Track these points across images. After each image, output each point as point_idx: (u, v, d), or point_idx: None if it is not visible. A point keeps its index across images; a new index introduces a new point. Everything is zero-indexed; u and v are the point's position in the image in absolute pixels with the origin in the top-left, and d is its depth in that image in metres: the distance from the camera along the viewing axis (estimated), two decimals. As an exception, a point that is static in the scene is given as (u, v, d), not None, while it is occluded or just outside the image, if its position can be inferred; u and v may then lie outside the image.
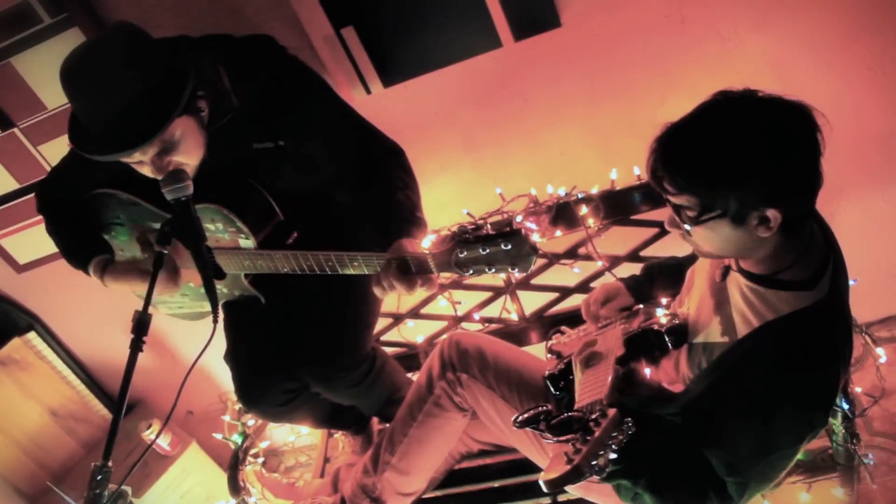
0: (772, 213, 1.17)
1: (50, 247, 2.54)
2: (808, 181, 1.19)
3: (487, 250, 1.31)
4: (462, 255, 1.33)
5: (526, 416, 1.22)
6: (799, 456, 1.33)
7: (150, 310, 1.39)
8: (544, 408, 1.22)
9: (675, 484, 1.33)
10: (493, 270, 1.33)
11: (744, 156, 1.16)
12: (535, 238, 2.10)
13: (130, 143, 1.43)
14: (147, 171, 1.52)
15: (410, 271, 1.43)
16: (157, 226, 1.79)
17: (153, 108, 1.42)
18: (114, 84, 1.41)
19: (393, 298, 2.37)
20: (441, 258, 1.37)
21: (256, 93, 1.61)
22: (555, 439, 1.16)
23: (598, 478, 1.28)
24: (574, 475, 1.07)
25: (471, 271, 1.34)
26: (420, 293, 1.97)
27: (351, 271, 1.54)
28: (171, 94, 1.43)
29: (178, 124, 1.47)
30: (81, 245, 1.85)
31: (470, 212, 2.14)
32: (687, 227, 1.25)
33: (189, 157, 1.54)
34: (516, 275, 1.34)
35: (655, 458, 1.33)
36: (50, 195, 1.90)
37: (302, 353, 1.85)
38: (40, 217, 2.44)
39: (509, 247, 1.29)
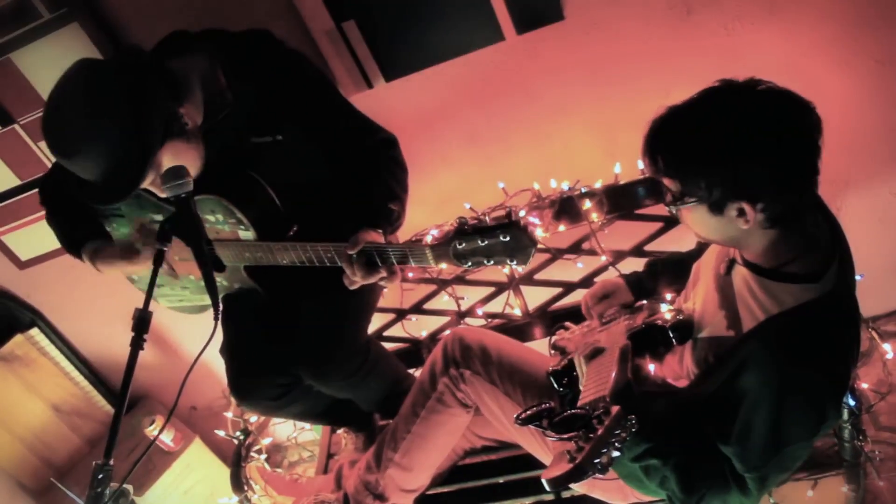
0: (746, 207, 1.18)
1: (52, 243, 2.55)
2: (782, 182, 1.18)
3: (486, 242, 1.31)
4: (460, 247, 1.33)
5: (528, 413, 1.22)
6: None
7: (151, 303, 1.39)
8: (547, 405, 1.22)
9: (700, 469, 1.34)
10: (492, 262, 1.33)
11: (716, 149, 1.17)
12: (538, 233, 2.09)
13: (119, 194, 1.51)
14: (150, 188, 1.57)
15: (374, 263, 1.46)
16: (158, 217, 1.80)
17: (128, 162, 1.45)
18: (88, 149, 1.44)
19: (396, 293, 2.36)
20: (439, 249, 1.37)
21: (253, 88, 1.61)
22: (557, 437, 1.15)
23: (628, 456, 1.30)
24: (577, 474, 1.07)
25: (469, 263, 1.34)
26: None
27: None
28: (143, 137, 1.44)
29: (165, 151, 1.50)
30: (76, 233, 1.86)
31: (472, 206, 2.12)
32: (671, 208, 1.28)
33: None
34: (515, 267, 1.34)
35: (683, 441, 1.34)
36: (51, 188, 1.90)
37: (294, 346, 1.84)
38: (42, 213, 2.46)
39: (508, 238, 1.29)
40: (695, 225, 1.30)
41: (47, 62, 2.10)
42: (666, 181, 1.26)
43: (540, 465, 1.82)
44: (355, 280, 1.49)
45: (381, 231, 1.52)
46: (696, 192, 1.21)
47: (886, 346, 1.96)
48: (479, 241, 1.31)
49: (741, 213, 1.20)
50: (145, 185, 1.53)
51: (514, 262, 1.31)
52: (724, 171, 1.17)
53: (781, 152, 1.16)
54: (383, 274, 1.47)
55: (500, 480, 2.01)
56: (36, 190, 2.37)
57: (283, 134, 1.64)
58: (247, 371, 1.94)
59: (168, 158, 1.51)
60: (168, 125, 1.49)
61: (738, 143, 1.15)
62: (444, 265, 1.41)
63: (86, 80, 1.46)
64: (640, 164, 2.01)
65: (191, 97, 1.57)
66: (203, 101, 1.59)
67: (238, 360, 1.96)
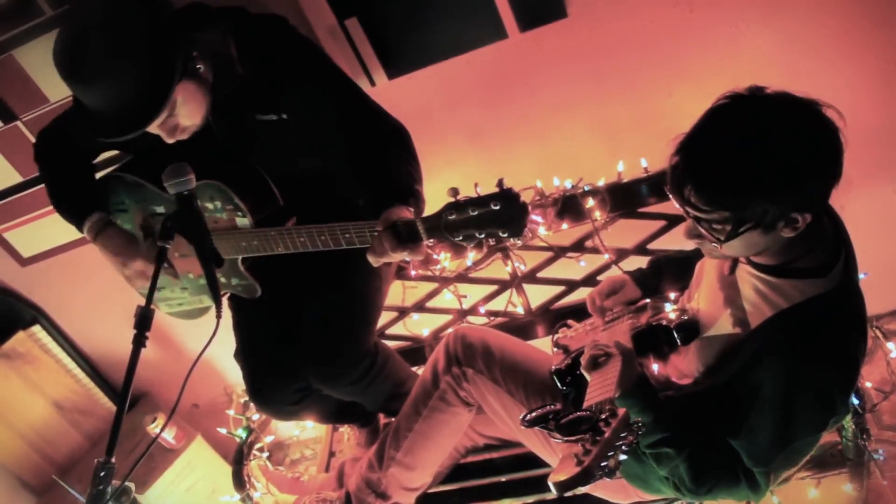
0: (802, 217, 1.16)
1: (54, 240, 2.56)
2: (834, 181, 1.17)
3: (477, 212, 1.28)
4: (451, 218, 1.30)
5: (534, 415, 1.21)
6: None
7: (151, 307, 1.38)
8: (553, 407, 1.21)
9: (712, 462, 1.33)
10: (484, 235, 1.29)
11: (776, 167, 1.13)
12: (541, 231, 2.08)
13: (137, 124, 1.48)
14: (156, 132, 1.57)
15: (400, 237, 1.41)
16: (161, 209, 1.80)
17: (152, 87, 1.45)
18: (110, 74, 1.43)
19: (398, 291, 2.36)
20: (431, 221, 1.35)
21: (262, 64, 1.62)
22: (564, 439, 1.14)
23: (641, 444, 1.30)
24: (584, 477, 1.06)
25: (461, 236, 1.31)
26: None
27: (344, 245, 1.53)
28: (165, 68, 1.45)
29: (178, 91, 1.50)
30: (79, 198, 1.86)
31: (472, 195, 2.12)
32: (718, 242, 1.22)
33: (192, 117, 1.58)
34: (508, 239, 1.30)
35: (697, 435, 1.34)
36: (50, 144, 1.88)
37: (303, 351, 1.84)
38: (44, 210, 2.46)
39: (499, 207, 1.26)
40: (735, 248, 1.25)
41: (49, 59, 2.07)
42: (710, 215, 1.20)
43: (542, 464, 1.81)
44: (381, 258, 1.45)
45: (412, 210, 1.49)
46: (754, 218, 1.17)
47: (890, 345, 1.95)
48: (471, 212, 1.28)
49: (790, 222, 1.17)
50: (154, 126, 1.52)
51: (507, 234, 1.28)
52: (791, 189, 1.14)
53: (831, 155, 1.15)
54: (407, 249, 1.41)
55: (503, 479, 2.00)
56: (38, 188, 2.39)
57: (287, 113, 1.64)
58: (265, 379, 1.95)
59: (181, 98, 1.51)
60: (187, 63, 1.50)
61: (796, 158, 1.13)
62: (433, 238, 1.38)
63: (107, 10, 1.46)
64: (644, 162, 2.01)
65: (203, 55, 1.57)
66: (213, 69, 1.59)
67: (255, 368, 1.96)
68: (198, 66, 1.54)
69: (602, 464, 1.06)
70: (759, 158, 1.13)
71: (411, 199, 1.52)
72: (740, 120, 1.17)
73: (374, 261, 1.47)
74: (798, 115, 1.15)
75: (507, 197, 1.26)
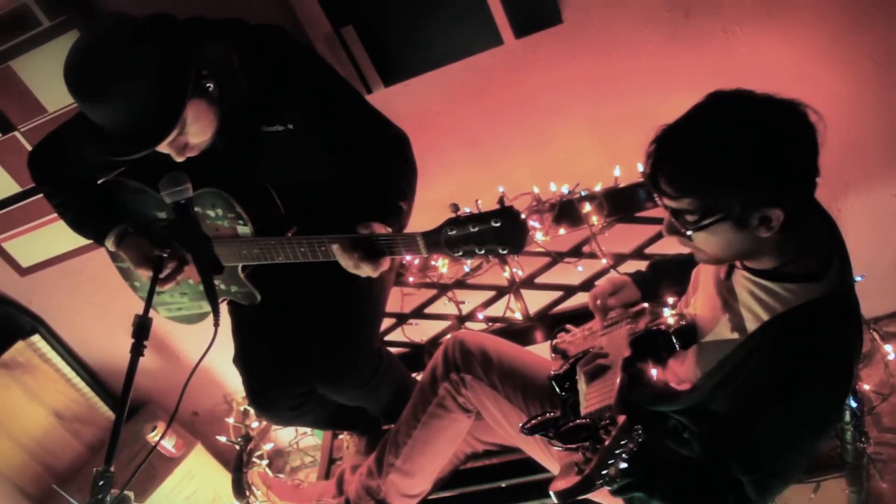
0: (773, 213, 1.16)
1: (53, 249, 2.56)
2: (806, 179, 1.18)
3: (477, 228, 1.29)
4: (451, 234, 1.31)
5: (534, 423, 1.21)
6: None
7: (150, 313, 1.39)
8: (552, 414, 1.21)
9: (688, 490, 1.32)
10: (483, 251, 1.31)
11: (744, 157, 1.14)
12: (538, 236, 2.09)
13: (146, 144, 1.47)
14: (165, 150, 1.56)
15: (374, 251, 1.43)
16: (161, 214, 1.80)
17: (162, 106, 1.45)
18: (120, 94, 1.42)
19: (396, 298, 2.36)
20: (431, 237, 1.36)
21: (264, 75, 1.62)
22: (564, 447, 1.14)
23: (609, 489, 1.28)
24: (585, 486, 1.06)
25: (460, 252, 1.33)
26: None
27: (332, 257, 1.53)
28: (177, 87, 1.45)
29: (188, 109, 1.49)
30: (97, 216, 1.85)
31: (472, 211, 2.12)
32: (688, 232, 1.23)
33: (202, 135, 1.57)
34: (507, 255, 1.31)
35: (669, 469, 1.32)
36: (49, 168, 1.88)
37: (309, 354, 1.84)
38: (43, 219, 2.46)
39: (499, 223, 1.27)
40: (709, 244, 1.25)
41: (47, 70, 2.10)
42: (680, 204, 1.21)
43: (542, 470, 1.81)
44: (353, 269, 1.48)
45: (390, 229, 1.51)
46: (721, 209, 1.17)
47: (888, 348, 1.95)
48: (471, 228, 1.29)
49: (763, 220, 1.17)
50: (164, 145, 1.51)
51: (506, 251, 1.29)
52: (756, 180, 1.15)
53: (803, 151, 1.16)
54: (368, 263, 1.45)
55: (502, 484, 2.00)
56: (36, 197, 2.39)
57: (293, 123, 1.64)
58: (266, 385, 1.95)
59: (191, 116, 1.51)
60: (197, 82, 1.49)
61: (760, 151, 1.14)
62: (433, 253, 1.39)
63: (117, 29, 1.45)
64: (640, 167, 2.01)
65: (211, 71, 1.57)
66: (218, 84, 1.59)
67: (256, 374, 1.96)
68: (207, 85, 1.53)
69: (602, 472, 1.06)
70: (723, 149, 1.15)
71: (391, 217, 1.54)
72: (713, 114, 1.20)
73: (348, 268, 1.50)
74: (769, 112, 1.16)
75: (507, 213, 1.27)
